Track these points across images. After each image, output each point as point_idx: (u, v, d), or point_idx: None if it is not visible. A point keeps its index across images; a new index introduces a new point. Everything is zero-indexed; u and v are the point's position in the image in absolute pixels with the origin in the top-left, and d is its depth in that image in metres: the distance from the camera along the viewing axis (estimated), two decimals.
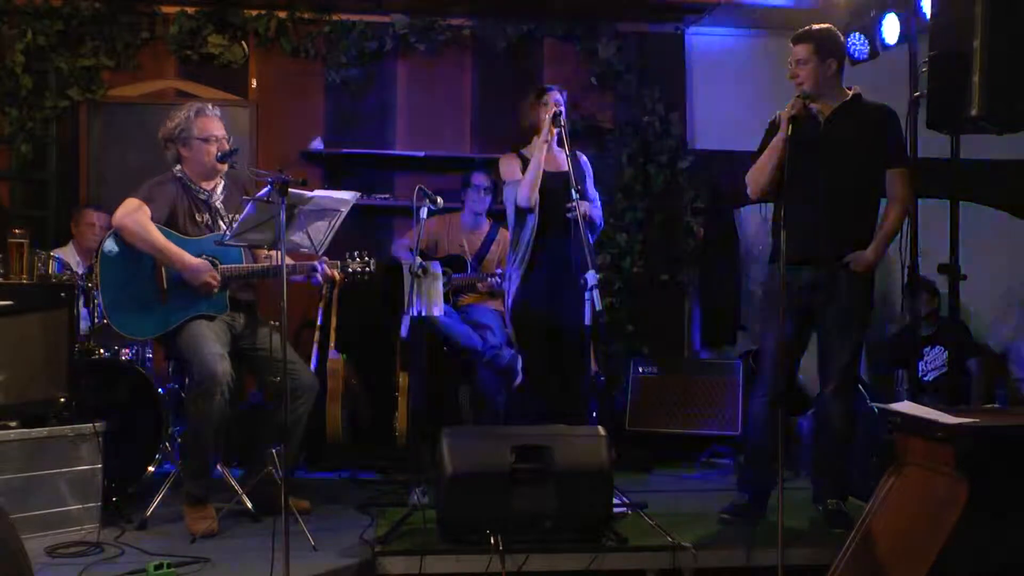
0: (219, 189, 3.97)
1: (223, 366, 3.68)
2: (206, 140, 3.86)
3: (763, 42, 5.91)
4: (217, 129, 3.88)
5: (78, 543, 3.50)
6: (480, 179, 5.23)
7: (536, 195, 4.12)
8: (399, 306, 4.00)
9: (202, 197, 3.92)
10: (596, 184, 4.46)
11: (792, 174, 3.58)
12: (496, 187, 5.11)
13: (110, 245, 3.79)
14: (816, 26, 3.83)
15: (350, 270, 3.97)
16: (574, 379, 4.23)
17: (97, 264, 3.79)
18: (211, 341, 3.73)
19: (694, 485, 4.79)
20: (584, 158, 4.44)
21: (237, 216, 3.85)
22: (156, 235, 3.73)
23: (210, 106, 3.96)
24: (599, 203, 4.37)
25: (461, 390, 5.14)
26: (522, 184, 4.13)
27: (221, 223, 3.90)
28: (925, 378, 5.42)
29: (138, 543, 3.51)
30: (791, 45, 3.81)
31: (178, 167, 3.92)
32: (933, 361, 5.50)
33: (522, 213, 4.18)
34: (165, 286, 3.77)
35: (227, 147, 3.88)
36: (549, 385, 4.27)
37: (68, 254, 4.99)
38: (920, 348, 5.40)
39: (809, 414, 4.79)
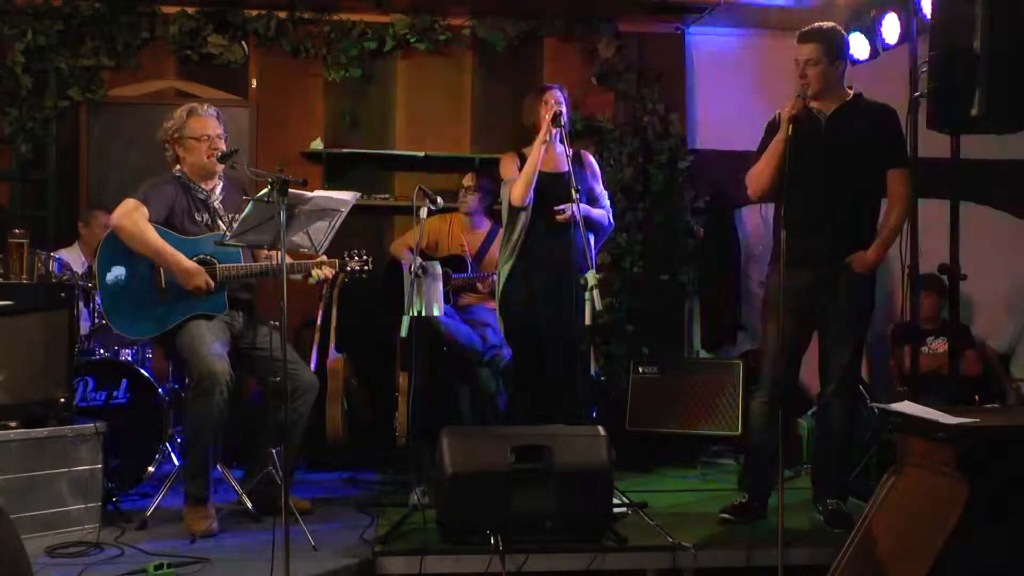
0: (218, 189, 3.97)
1: (222, 365, 3.68)
2: (199, 139, 3.86)
3: (763, 42, 5.91)
4: (211, 128, 3.89)
5: (78, 543, 3.50)
6: (466, 179, 5.23)
7: (530, 194, 4.10)
8: (399, 306, 4.00)
9: (201, 197, 3.92)
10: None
11: (792, 174, 3.58)
12: (486, 187, 5.11)
13: (109, 244, 3.78)
14: (824, 25, 3.81)
15: (348, 268, 3.98)
16: (562, 379, 4.22)
17: (96, 265, 3.79)
18: (210, 341, 3.73)
19: (694, 485, 4.79)
20: (591, 159, 4.41)
21: (236, 216, 3.85)
22: (152, 236, 3.73)
23: (205, 106, 3.97)
24: (607, 205, 4.33)
25: (461, 390, 5.14)
26: (516, 182, 4.12)
27: (220, 223, 3.90)
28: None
29: (138, 543, 3.51)
30: (797, 43, 3.79)
31: (177, 167, 3.93)
32: (935, 350, 5.50)
33: (515, 211, 4.17)
34: (163, 286, 3.77)
35: (223, 146, 3.88)
36: (535, 384, 4.26)
37: (72, 254, 4.99)
38: (923, 338, 5.40)
39: (809, 414, 4.79)
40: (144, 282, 3.78)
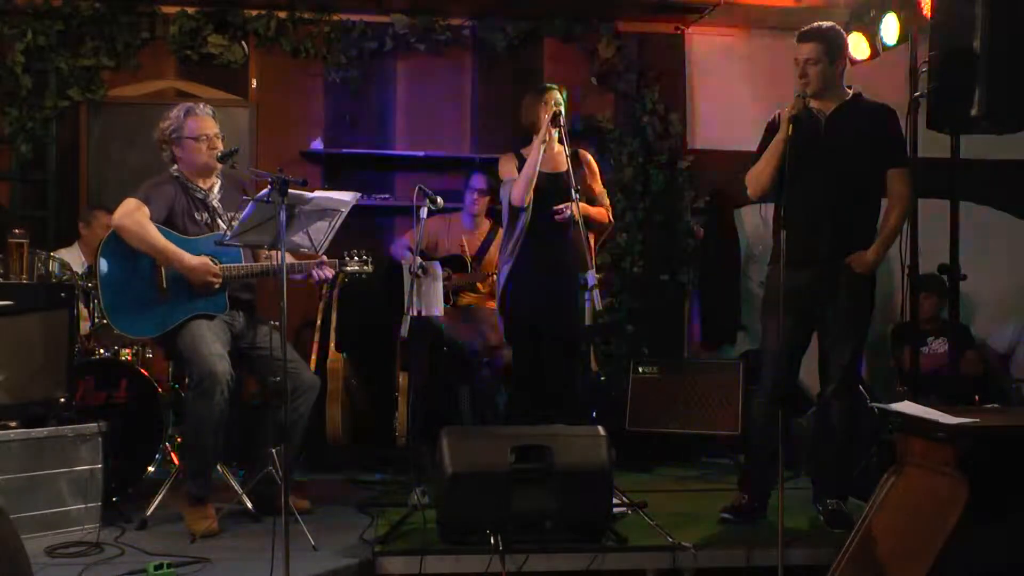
0: (216, 188, 3.96)
1: (222, 366, 3.68)
2: (197, 139, 3.85)
3: (763, 42, 5.91)
4: (208, 128, 3.88)
5: (78, 543, 3.50)
6: (476, 181, 5.24)
7: (530, 195, 4.10)
8: (399, 306, 4.00)
9: (200, 196, 3.91)
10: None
11: (792, 174, 3.58)
12: (495, 189, 5.12)
13: (109, 244, 3.78)
14: (824, 24, 3.81)
15: (348, 269, 3.98)
16: (562, 379, 4.21)
17: (97, 265, 3.79)
18: (210, 341, 3.73)
19: (694, 485, 4.79)
20: (589, 157, 4.40)
21: (235, 215, 3.85)
22: (155, 235, 3.72)
23: (201, 105, 3.95)
24: (607, 204, 4.32)
25: (461, 390, 5.14)
26: (516, 183, 4.13)
27: (220, 222, 3.90)
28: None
29: (138, 543, 3.51)
30: (797, 43, 3.78)
31: (175, 167, 3.92)
32: (935, 351, 5.50)
33: (515, 211, 4.18)
34: (164, 286, 3.77)
35: (220, 145, 3.87)
36: (535, 384, 4.26)
37: (72, 254, 4.98)
38: (923, 338, 5.41)
39: (809, 414, 4.79)
40: (145, 282, 3.78)
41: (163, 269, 3.77)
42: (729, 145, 5.57)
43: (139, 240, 3.71)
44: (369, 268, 4.02)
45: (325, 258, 3.89)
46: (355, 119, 5.78)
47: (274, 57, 5.71)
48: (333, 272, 3.95)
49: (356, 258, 4.00)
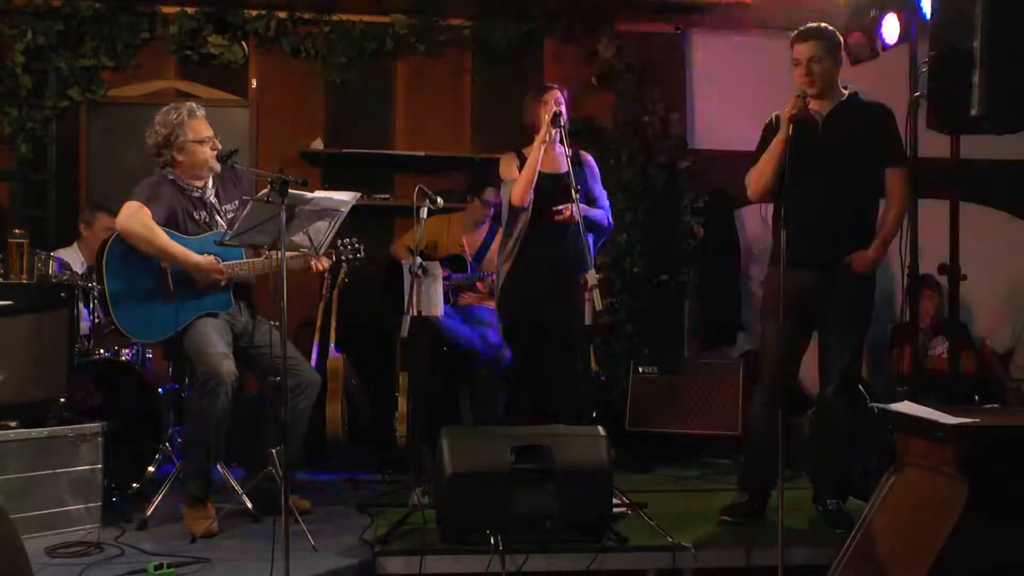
0: (210, 184, 3.95)
1: (227, 366, 3.68)
2: (201, 142, 3.84)
3: (763, 42, 5.91)
4: (208, 129, 3.87)
5: (78, 543, 3.50)
6: (491, 195, 5.23)
7: (530, 195, 4.10)
8: (399, 306, 4.00)
9: (196, 195, 3.90)
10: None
11: (791, 174, 3.58)
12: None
13: (114, 248, 3.77)
14: (821, 24, 3.83)
15: (343, 257, 4.03)
16: (561, 379, 4.21)
17: (104, 268, 3.77)
18: (215, 340, 3.73)
19: (694, 485, 4.79)
20: (590, 158, 4.42)
21: (231, 207, 3.87)
22: (160, 236, 3.71)
23: (196, 106, 3.92)
24: (606, 205, 4.33)
25: (461, 390, 5.14)
26: (516, 183, 4.13)
27: (218, 218, 3.90)
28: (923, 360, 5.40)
29: (138, 543, 3.51)
30: (798, 42, 3.78)
31: (167, 169, 3.88)
32: (934, 348, 5.50)
33: (515, 211, 4.18)
34: (171, 287, 3.76)
35: (219, 145, 3.87)
36: (535, 383, 4.26)
37: (72, 254, 4.98)
38: (922, 335, 5.41)
39: (809, 414, 4.79)
40: (152, 284, 3.76)
41: (169, 270, 3.76)
42: (729, 145, 5.56)
43: (145, 242, 3.70)
44: (362, 254, 4.06)
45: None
46: (355, 119, 5.79)
47: (274, 57, 5.71)
48: (329, 262, 3.97)
49: (349, 246, 4.02)
